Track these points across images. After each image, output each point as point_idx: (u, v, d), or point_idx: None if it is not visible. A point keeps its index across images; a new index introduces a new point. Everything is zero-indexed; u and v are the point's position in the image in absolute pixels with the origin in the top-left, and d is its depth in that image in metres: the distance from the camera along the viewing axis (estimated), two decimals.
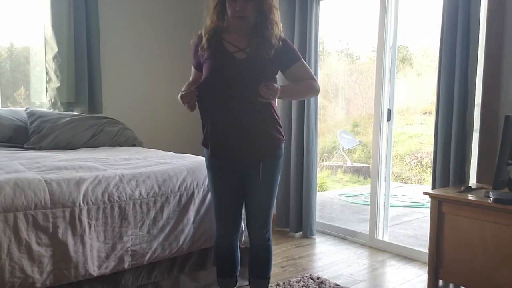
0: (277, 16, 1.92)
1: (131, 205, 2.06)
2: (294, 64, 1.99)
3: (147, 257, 2.12)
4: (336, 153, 7.58)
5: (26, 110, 3.39)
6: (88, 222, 1.93)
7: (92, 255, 1.94)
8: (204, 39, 1.95)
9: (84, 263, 1.91)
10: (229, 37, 1.93)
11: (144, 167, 2.32)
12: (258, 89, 1.80)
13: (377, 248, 3.33)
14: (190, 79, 2.11)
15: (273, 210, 2.08)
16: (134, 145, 3.46)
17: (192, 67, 2.09)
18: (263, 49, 1.88)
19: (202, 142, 2.00)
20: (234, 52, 1.90)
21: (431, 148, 4.53)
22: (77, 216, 1.90)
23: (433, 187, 2.79)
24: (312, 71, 2.15)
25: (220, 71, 1.89)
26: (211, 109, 1.92)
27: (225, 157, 1.95)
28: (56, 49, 3.54)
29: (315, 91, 2.06)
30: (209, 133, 1.95)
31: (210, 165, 2.02)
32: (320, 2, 3.50)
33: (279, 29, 1.92)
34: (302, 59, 2.03)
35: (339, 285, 2.59)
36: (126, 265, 2.05)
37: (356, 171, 7.18)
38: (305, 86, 2.01)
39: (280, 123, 2.01)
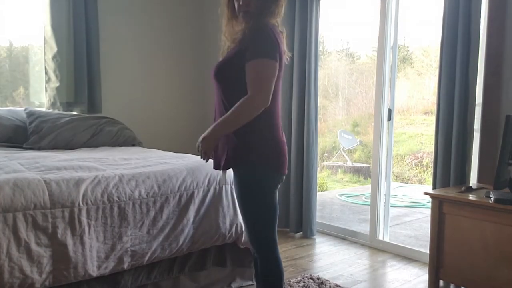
0: (280, 7, 1.74)
1: (130, 205, 2.06)
2: (248, 62, 1.63)
3: (147, 257, 2.11)
4: (336, 153, 7.57)
5: (25, 110, 3.38)
6: (88, 222, 1.92)
7: (92, 255, 1.93)
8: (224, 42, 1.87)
9: (83, 264, 1.90)
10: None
11: (143, 167, 2.32)
12: (220, 87, 1.74)
13: (378, 249, 3.32)
14: None
15: (258, 232, 1.80)
16: (133, 145, 3.45)
17: None
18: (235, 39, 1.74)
19: None
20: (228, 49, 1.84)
21: (431, 148, 4.53)
22: (76, 216, 1.89)
23: (434, 187, 2.78)
24: (258, 78, 1.62)
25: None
26: None
27: None
28: (55, 49, 3.53)
29: (244, 112, 1.62)
30: None
31: None
32: (320, 2, 3.49)
33: (277, 19, 1.75)
34: (257, 60, 1.61)
35: (339, 286, 2.59)
36: (125, 266, 2.05)
37: (357, 171, 7.17)
38: (231, 113, 1.64)
39: (262, 134, 1.72)
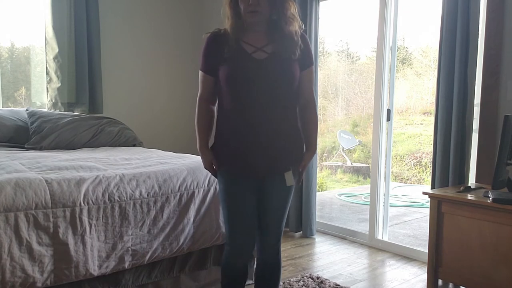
0: (293, 10, 1.75)
1: (131, 205, 2.07)
2: (308, 68, 1.84)
3: (148, 256, 2.12)
4: (335, 153, 7.59)
5: (27, 110, 3.39)
6: (89, 222, 1.94)
7: (93, 254, 1.95)
8: (229, 38, 1.80)
9: (84, 263, 1.91)
10: (246, 37, 1.76)
11: (144, 167, 2.33)
12: (282, 90, 1.74)
13: (377, 248, 3.34)
14: (200, 90, 1.88)
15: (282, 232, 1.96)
16: (134, 145, 3.47)
17: (202, 73, 1.83)
18: (286, 48, 1.74)
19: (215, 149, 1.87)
20: (252, 53, 1.73)
21: (430, 148, 4.54)
22: (77, 216, 1.90)
23: (433, 187, 2.80)
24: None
25: (239, 75, 1.72)
26: (233, 116, 1.77)
27: (244, 166, 1.77)
28: (56, 50, 3.55)
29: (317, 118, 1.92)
30: (230, 142, 1.79)
31: (224, 176, 1.82)
32: (320, 3, 3.51)
33: (298, 24, 1.76)
34: (313, 66, 1.88)
35: (338, 285, 2.60)
36: (126, 265, 2.06)
37: (356, 171, 7.19)
38: (313, 126, 1.89)
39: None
